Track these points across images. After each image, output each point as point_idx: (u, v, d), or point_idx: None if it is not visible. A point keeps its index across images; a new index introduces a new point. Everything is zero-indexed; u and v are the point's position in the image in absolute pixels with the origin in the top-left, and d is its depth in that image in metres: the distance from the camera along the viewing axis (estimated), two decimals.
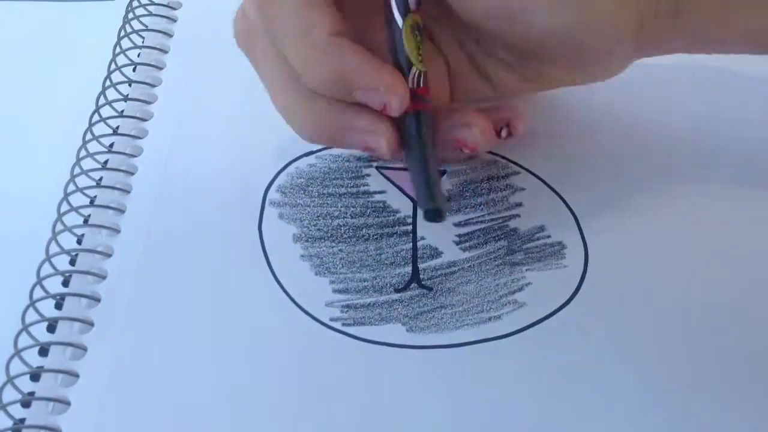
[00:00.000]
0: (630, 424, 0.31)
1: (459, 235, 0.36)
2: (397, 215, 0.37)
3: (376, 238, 0.36)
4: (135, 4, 0.45)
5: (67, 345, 0.32)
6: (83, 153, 0.38)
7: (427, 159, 0.34)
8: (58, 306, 0.34)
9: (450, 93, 0.37)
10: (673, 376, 0.32)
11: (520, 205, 0.37)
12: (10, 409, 0.31)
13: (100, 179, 0.38)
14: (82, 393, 0.31)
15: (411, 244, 0.36)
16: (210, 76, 0.43)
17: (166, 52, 0.44)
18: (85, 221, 0.36)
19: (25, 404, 0.31)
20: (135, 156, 0.39)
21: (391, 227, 0.37)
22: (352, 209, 0.37)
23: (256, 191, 0.38)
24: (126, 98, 0.41)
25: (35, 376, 0.32)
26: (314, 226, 0.36)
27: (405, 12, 0.34)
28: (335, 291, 0.34)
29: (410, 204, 0.37)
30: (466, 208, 0.37)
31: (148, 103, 0.41)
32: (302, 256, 0.35)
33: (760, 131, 0.40)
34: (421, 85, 0.34)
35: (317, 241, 0.36)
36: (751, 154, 0.39)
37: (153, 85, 0.42)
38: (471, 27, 0.35)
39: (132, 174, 0.38)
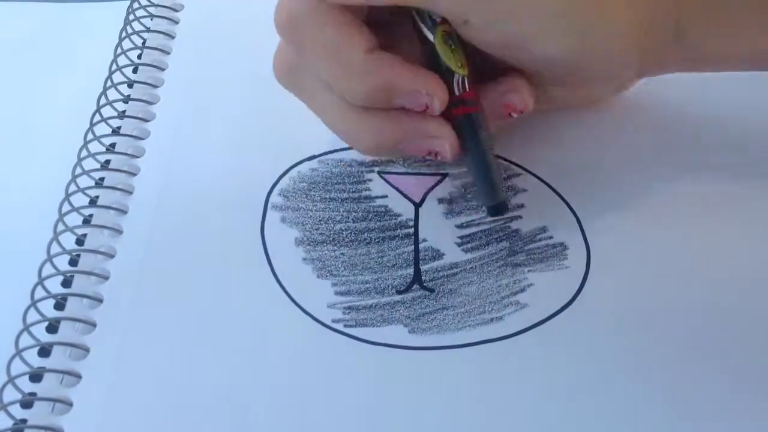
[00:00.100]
0: (632, 424, 0.31)
1: (461, 237, 0.36)
2: (399, 219, 0.37)
3: (378, 242, 0.36)
4: (136, 5, 0.45)
5: (70, 345, 0.32)
6: (84, 153, 0.38)
7: (488, 157, 0.35)
8: (59, 306, 0.34)
9: None
10: (676, 377, 0.32)
11: (522, 206, 0.37)
12: (11, 409, 0.31)
13: (102, 179, 0.38)
14: (84, 393, 0.31)
15: (413, 246, 0.36)
16: (212, 78, 0.43)
17: (168, 53, 0.44)
18: (86, 221, 0.36)
19: (28, 405, 0.31)
20: (137, 157, 0.39)
21: (393, 230, 0.37)
22: (354, 214, 0.37)
23: (259, 194, 0.38)
24: (128, 99, 0.41)
25: (37, 377, 0.32)
26: (316, 230, 0.36)
27: (433, 25, 0.34)
28: (337, 293, 0.34)
29: (411, 207, 0.37)
30: (468, 209, 0.37)
31: (150, 103, 0.41)
32: (304, 259, 0.35)
33: (761, 131, 0.40)
34: (467, 89, 0.34)
35: (319, 245, 0.36)
36: (752, 154, 0.39)
37: (155, 86, 0.42)
38: (479, 52, 0.35)
39: (134, 175, 0.38)
